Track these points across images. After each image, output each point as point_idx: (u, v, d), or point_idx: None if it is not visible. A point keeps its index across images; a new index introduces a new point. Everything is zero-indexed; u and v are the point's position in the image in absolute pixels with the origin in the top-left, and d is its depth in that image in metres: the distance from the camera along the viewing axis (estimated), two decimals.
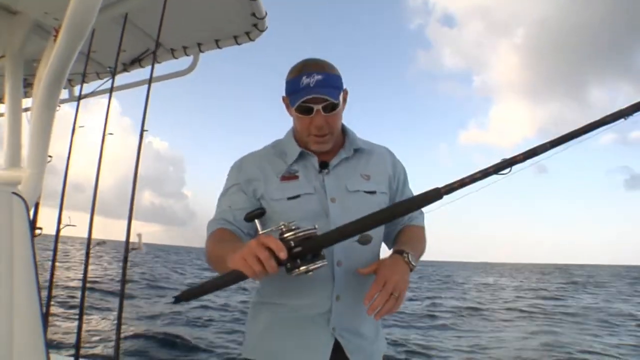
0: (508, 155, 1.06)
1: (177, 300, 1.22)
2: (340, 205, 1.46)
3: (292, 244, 1.11)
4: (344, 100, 1.54)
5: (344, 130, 1.63)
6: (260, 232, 1.17)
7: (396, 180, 1.63)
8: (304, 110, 1.43)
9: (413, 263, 1.36)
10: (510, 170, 1.06)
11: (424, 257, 1.61)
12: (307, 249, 1.13)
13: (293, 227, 1.14)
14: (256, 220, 1.24)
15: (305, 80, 1.40)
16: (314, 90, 1.38)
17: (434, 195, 1.12)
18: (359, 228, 1.19)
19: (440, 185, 1.12)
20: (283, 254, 1.06)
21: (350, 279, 1.42)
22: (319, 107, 1.41)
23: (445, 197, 1.13)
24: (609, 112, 1.01)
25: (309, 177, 1.51)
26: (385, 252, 1.64)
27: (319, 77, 1.40)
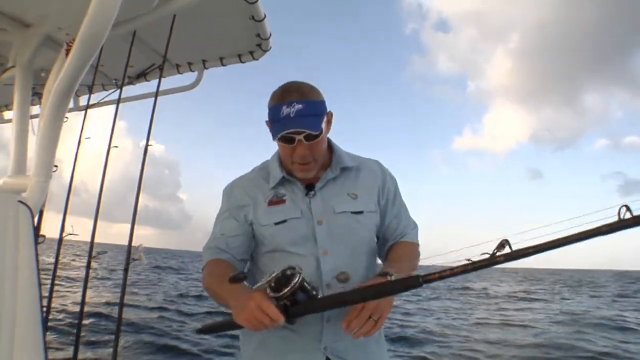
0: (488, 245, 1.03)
1: (200, 332, 1.38)
2: (327, 228, 1.48)
3: (288, 303, 1.17)
4: (329, 122, 1.52)
5: (331, 148, 1.61)
6: (254, 288, 1.21)
7: (385, 196, 1.61)
8: (285, 140, 1.41)
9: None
10: (489, 264, 1.03)
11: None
12: (302, 311, 1.20)
13: (283, 284, 1.17)
14: (244, 282, 1.29)
15: (285, 110, 1.37)
16: (294, 122, 1.36)
17: (413, 282, 1.14)
18: (349, 300, 1.24)
19: (421, 273, 1.15)
20: (281, 322, 1.15)
21: None
22: (301, 137, 1.39)
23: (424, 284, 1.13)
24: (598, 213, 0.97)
25: (296, 200, 1.52)
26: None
27: (299, 106, 1.37)
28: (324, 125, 1.43)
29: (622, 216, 0.91)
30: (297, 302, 1.18)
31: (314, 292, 1.21)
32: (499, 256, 1.01)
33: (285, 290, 1.15)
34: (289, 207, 1.50)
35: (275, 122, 1.39)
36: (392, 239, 1.61)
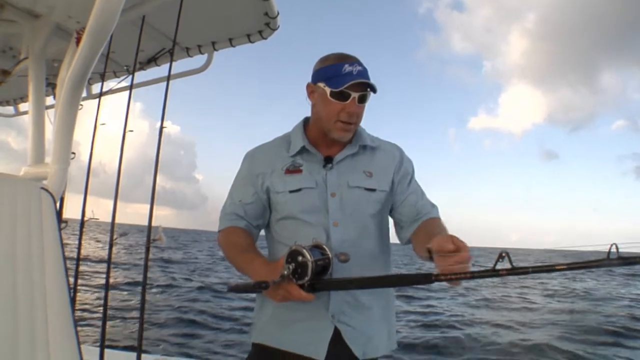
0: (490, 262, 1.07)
1: (229, 290, 1.43)
2: (339, 200, 1.52)
3: (310, 282, 1.30)
4: None
5: None
6: (278, 280, 1.29)
7: (400, 174, 1.64)
8: (340, 95, 1.47)
9: None
10: (491, 275, 1.08)
11: None
12: (324, 287, 1.35)
13: (303, 273, 1.28)
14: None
15: (347, 67, 1.46)
16: (359, 77, 1.45)
17: (425, 278, 1.19)
18: (367, 283, 1.35)
19: (433, 271, 1.19)
20: (312, 299, 1.30)
21: (350, 270, 1.45)
22: (356, 95, 1.46)
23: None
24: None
25: (313, 171, 1.56)
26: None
27: (360, 68, 1.47)
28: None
29: (610, 255, 0.98)
30: (316, 274, 1.29)
31: (327, 260, 1.33)
32: (501, 270, 1.07)
33: (307, 278, 1.27)
34: (305, 177, 1.55)
35: (338, 76, 1.46)
36: (415, 215, 1.58)
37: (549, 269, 1.08)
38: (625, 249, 0.96)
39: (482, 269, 1.12)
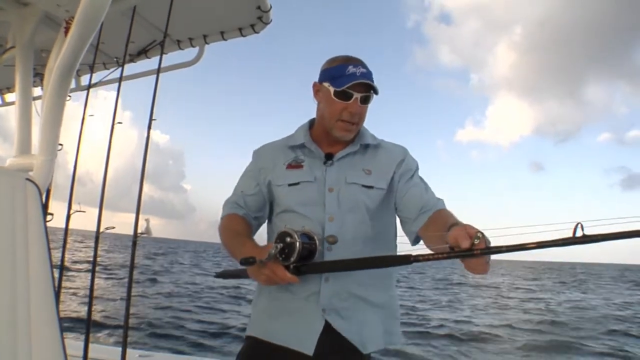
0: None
1: (217, 276, 1.53)
2: (336, 196, 1.55)
3: (295, 264, 1.35)
4: None
5: None
6: (265, 260, 1.33)
7: (402, 169, 1.64)
8: (343, 95, 1.53)
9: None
10: (472, 254, 1.12)
11: None
12: (309, 270, 1.38)
13: (290, 253, 1.32)
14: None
15: (352, 69, 1.53)
16: (362, 78, 1.51)
17: (404, 259, 1.25)
18: (348, 265, 1.40)
19: (413, 252, 1.24)
20: (296, 281, 1.36)
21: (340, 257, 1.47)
22: (359, 95, 1.53)
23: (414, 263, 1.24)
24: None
25: (313, 167, 1.62)
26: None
27: (364, 70, 1.54)
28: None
29: (575, 234, 1.06)
30: (302, 258, 1.34)
31: (314, 245, 1.38)
32: (475, 249, 1.12)
33: (292, 259, 1.31)
34: (305, 172, 1.61)
35: (342, 76, 1.53)
36: (420, 208, 1.54)
37: (521, 247, 1.12)
38: (589, 227, 1.04)
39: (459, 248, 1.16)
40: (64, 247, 2.37)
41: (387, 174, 1.62)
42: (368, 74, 1.54)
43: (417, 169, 1.69)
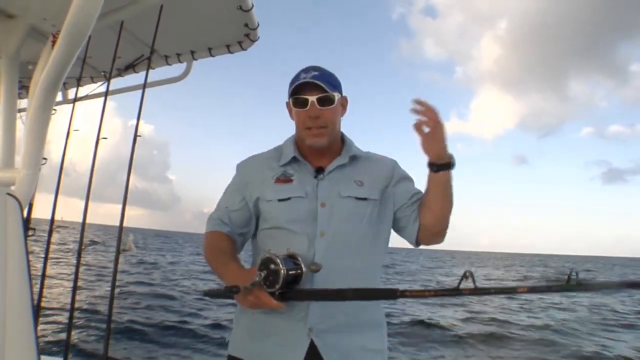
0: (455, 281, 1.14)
1: (204, 294, 1.49)
2: (330, 210, 1.52)
3: (281, 290, 1.30)
4: (343, 106, 1.63)
5: (342, 139, 1.68)
6: (249, 286, 1.29)
7: (394, 177, 1.65)
8: (300, 103, 1.52)
9: (453, 158, 1.46)
10: (459, 293, 1.13)
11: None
12: (295, 297, 1.35)
13: (274, 281, 1.29)
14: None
15: (302, 75, 1.52)
16: (308, 79, 1.50)
17: (391, 293, 1.26)
18: (335, 295, 1.36)
19: (400, 287, 1.27)
20: (282, 307, 1.31)
21: (327, 283, 1.44)
22: (314, 98, 1.50)
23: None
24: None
25: (303, 181, 1.57)
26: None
27: (316, 73, 1.52)
28: (337, 99, 1.55)
29: (570, 281, 1.06)
30: (288, 283, 1.30)
31: (299, 270, 1.33)
32: (464, 289, 1.12)
33: (277, 286, 1.27)
34: (295, 186, 1.56)
35: (291, 85, 1.53)
36: (413, 194, 1.63)
37: (511, 291, 1.14)
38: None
39: (446, 287, 1.18)
40: (45, 260, 2.33)
41: (379, 184, 1.61)
42: (319, 76, 1.51)
43: (405, 175, 1.69)
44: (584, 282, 1.05)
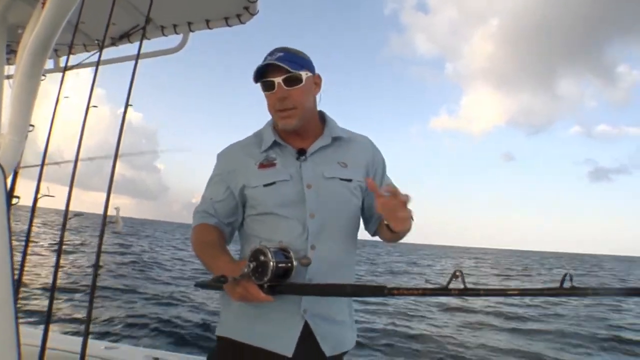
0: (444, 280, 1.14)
1: (196, 285, 1.49)
2: (316, 192, 1.51)
3: (270, 283, 1.31)
4: (317, 84, 1.61)
5: (324, 119, 1.68)
6: (239, 277, 1.31)
7: (374, 170, 1.66)
8: (267, 86, 1.52)
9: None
10: (448, 293, 1.13)
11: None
12: (283, 291, 1.34)
13: (262, 272, 1.29)
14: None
15: (268, 57, 1.52)
16: (272, 61, 1.48)
17: (379, 291, 1.26)
18: (324, 291, 1.39)
19: (388, 285, 1.27)
20: (271, 300, 1.32)
21: (323, 264, 1.46)
22: (279, 79, 1.49)
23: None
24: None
25: (286, 164, 1.56)
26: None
27: (281, 54, 1.51)
28: (306, 77, 1.53)
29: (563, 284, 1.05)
30: (277, 277, 1.30)
31: (289, 264, 1.33)
32: (453, 289, 1.12)
33: (266, 279, 1.28)
34: (279, 170, 1.55)
35: (257, 68, 1.51)
36: None
37: (501, 293, 1.16)
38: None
39: (435, 286, 1.21)
40: (28, 232, 2.28)
41: (361, 166, 1.62)
42: (283, 57, 1.49)
43: (384, 164, 1.72)
44: (578, 287, 1.03)
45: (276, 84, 1.50)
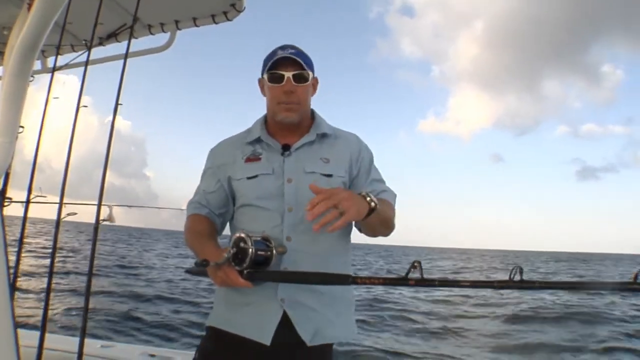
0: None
1: (186, 271, 1.59)
2: (295, 186, 1.56)
3: (249, 270, 1.37)
4: (314, 87, 1.68)
5: (313, 116, 1.72)
6: (220, 262, 1.37)
7: (358, 165, 1.67)
8: (275, 78, 1.57)
9: (374, 202, 1.40)
10: (414, 285, 1.17)
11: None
12: (262, 277, 1.41)
13: (242, 259, 1.35)
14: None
15: (279, 52, 1.57)
16: (286, 55, 1.55)
17: (345, 279, 1.35)
18: (297, 278, 1.44)
19: (353, 274, 1.37)
20: (249, 286, 1.38)
21: (299, 255, 1.51)
22: (290, 74, 1.56)
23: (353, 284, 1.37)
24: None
25: (271, 159, 1.62)
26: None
27: (293, 50, 1.58)
28: (310, 78, 1.61)
29: (512, 277, 1.08)
30: (257, 264, 1.37)
31: (269, 253, 1.39)
32: (411, 279, 1.16)
33: (245, 265, 1.34)
34: (263, 164, 1.61)
35: (268, 61, 1.58)
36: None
37: (454, 284, 1.22)
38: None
39: (395, 276, 1.25)
40: (21, 235, 2.27)
41: (344, 162, 1.65)
42: (296, 53, 1.56)
43: (372, 160, 1.74)
44: (526, 280, 1.07)
45: (286, 77, 1.55)
